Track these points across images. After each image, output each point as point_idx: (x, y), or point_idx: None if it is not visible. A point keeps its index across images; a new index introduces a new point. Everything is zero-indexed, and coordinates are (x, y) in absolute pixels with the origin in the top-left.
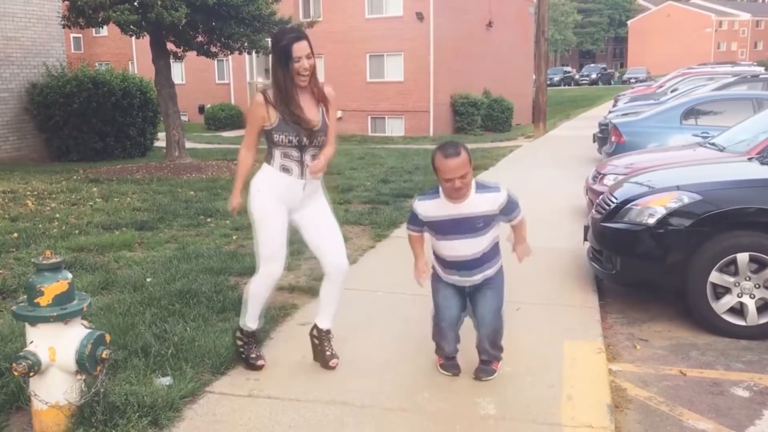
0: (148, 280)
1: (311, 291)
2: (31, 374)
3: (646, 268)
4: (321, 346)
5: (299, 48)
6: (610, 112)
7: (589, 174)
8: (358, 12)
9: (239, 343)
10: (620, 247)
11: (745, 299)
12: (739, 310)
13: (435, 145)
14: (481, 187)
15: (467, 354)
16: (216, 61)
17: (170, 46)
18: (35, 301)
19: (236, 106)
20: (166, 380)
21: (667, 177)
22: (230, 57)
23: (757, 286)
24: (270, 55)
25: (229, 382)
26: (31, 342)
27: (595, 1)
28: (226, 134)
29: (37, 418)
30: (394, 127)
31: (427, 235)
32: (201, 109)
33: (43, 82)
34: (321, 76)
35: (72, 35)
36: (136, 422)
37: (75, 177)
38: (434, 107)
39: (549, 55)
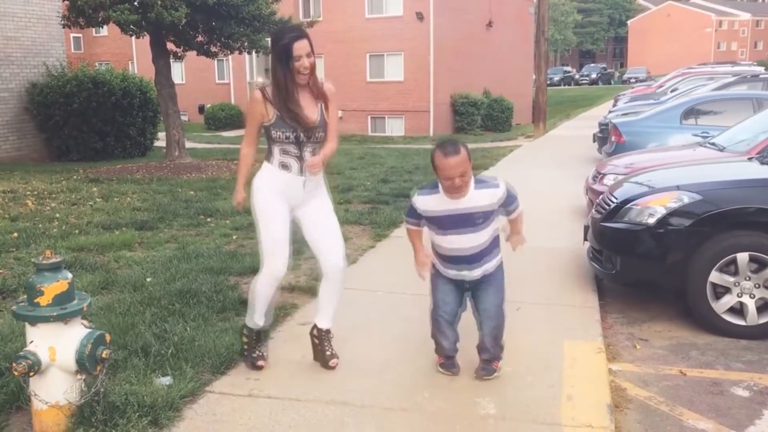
0: (148, 279)
1: (311, 291)
2: (31, 374)
3: (646, 268)
4: (321, 346)
5: (300, 46)
6: (610, 111)
7: (589, 174)
8: (358, 12)
9: (245, 340)
10: (620, 247)
11: (745, 299)
12: (739, 310)
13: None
14: (480, 183)
15: (467, 354)
16: (216, 61)
17: (170, 45)
18: (35, 300)
19: (236, 105)
20: (166, 380)
21: (667, 177)
22: (230, 57)
23: (757, 285)
24: (270, 55)
25: (229, 381)
26: (31, 342)
27: (595, 1)
28: (226, 134)
29: (37, 417)
30: (394, 127)
31: (426, 230)
32: (201, 109)
33: (43, 81)
34: (321, 76)
35: (72, 35)
36: (136, 422)
37: (75, 177)
38: (434, 107)
39: (549, 55)
